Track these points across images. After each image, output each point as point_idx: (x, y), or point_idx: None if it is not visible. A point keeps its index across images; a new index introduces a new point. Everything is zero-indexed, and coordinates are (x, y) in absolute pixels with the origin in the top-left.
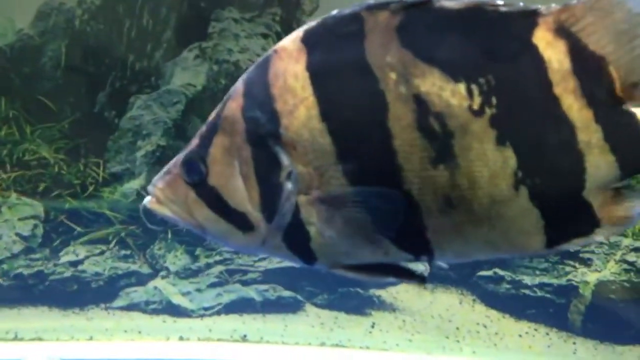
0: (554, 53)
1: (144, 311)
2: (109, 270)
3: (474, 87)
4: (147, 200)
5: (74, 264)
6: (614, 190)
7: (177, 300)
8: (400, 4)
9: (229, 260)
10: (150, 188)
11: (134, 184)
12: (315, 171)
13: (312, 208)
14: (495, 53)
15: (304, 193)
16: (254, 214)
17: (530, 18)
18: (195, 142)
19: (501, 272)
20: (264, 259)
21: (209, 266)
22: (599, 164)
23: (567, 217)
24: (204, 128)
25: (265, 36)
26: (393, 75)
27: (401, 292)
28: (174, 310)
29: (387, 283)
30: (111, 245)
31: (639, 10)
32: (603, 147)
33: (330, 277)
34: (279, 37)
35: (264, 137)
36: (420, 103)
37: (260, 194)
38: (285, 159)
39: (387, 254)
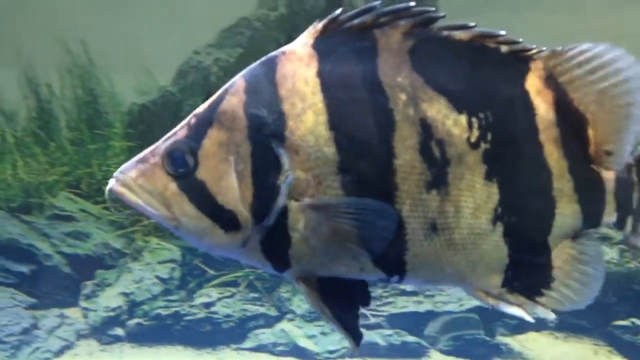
0: (542, 102)
1: (272, 352)
2: (239, 312)
3: (474, 120)
4: (114, 183)
5: (207, 305)
6: (574, 246)
7: (303, 343)
8: (411, 17)
9: None
10: (117, 174)
11: None
12: (314, 178)
13: (301, 215)
14: (495, 93)
15: (295, 199)
16: (244, 213)
17: (523, 63)
18: (182, 132)
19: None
20: (388, 303)
21: None
22: (567, 212)
23: (528, 260)
24: (193, 119)
25: None
26: (403, 97)
27: (530, 341)
28: (300, 353)
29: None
30: (241, 288)
31: (633, 81)
32: (572, 196)
33: (472, 323)
34: None
35: (267, 137)
36: (425, 127)
37: (254, 194)
38: (286, 162)
39: (363, 270)
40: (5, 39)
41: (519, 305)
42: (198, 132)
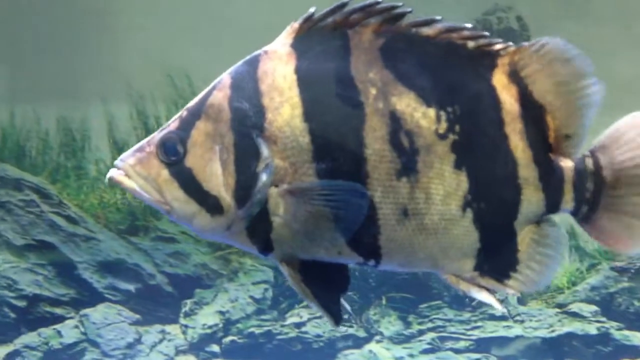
0: (507, 96)
1: None
2: (329, 332)
3: (442, 113)
4: (114, 172)
5: (298, 325)
6: (538, 231)
7: None
8: (380, 15)
9: (441, 327)
10: (118, 162)
11: None
12: (291, 166)
13: (281, 200)
14: (463, 88)
15: (275, 185)
16: (227, 198)
17: (490, 58)
18: (174, 124)
19: None
20: (477, 327)
21: (421, 332)
22: (531, 199)
23: (497, 244)
24: (184, 112)
25: None
26: (373, 91)
27: None
28: None
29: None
30: None
31: (582, 69)
32: (537, 185)
33: (545, 348)
34: None
35: (249, 128)
36: (394, 119)
37: (236, 181)
38: (265, 151)
39: (341, 253)
40: (118, 75)
41: (489, 290)
42: (188, 123)
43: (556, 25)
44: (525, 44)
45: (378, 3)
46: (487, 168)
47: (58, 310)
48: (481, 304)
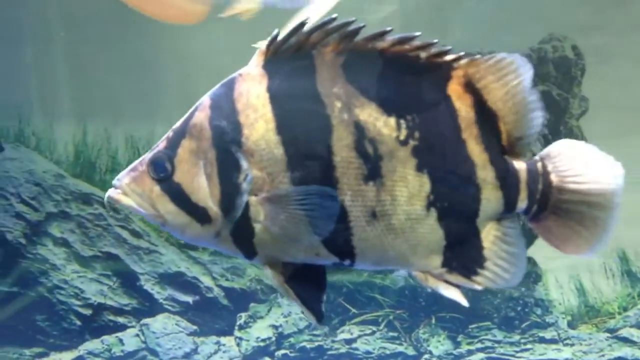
0: (462, 105)
1: None
2: (378, 349)
3: (402, 121)
4: (112, 191)
5: (349, 341)
6: (499, 228)
7: None
8: (338, 32)
9: (490, 348)
10: (115, 182)
11: (402, 272)
12: (268, 176)
13: (260, 207)
14: (420, 97)
15: (255, 194)
16: (214, 208)
17: (445, 70)
18: (162, 144)
19: None
20: (527, 349)
21: (470, 352)
22: (491, 197)
23: (462, 241)
24: (170, 133)
25: None
26: (338, 104)
27: None
28: None
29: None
30: (381, 327)
31: (527, 83)
32: (494, 184)
33: None
34: (546, 139)
35: (228, 143)
36: (358, 129)
37: (220, 192)
38: (244, 164)
39: (318, 254)
40: (184, 95)
41: (456, 287)
42: (174, 142)
43: (608, 53)
44: (479, 56)
45: (333, 20)
46: (447, 170)
47: (120, 319)
48: (531, 326)
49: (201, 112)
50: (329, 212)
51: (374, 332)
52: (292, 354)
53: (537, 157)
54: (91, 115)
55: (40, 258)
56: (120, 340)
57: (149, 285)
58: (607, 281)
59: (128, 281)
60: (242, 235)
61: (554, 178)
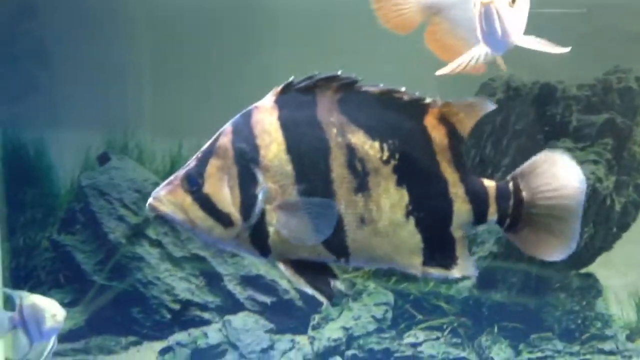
0: (437, 134)
1: None
2: (442, 354)
3: (384, 145)
4: (152, 201)
5: (414, 345)
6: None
7: None
8: (337, 81)
9: (550, 357)
10: (154, 194)
11: (467, 282)
12: (280, 188)
13: (274, 214)
14: (400, 126)
15: (269, 203)
16: (236, 215)
17: (423, 107)
18: (193, 162)
19: None
20: None
21: None
22: (461, 209)
23: (438, 244)
24: (200, 154)
25: (595, 162)
26: (334, 130)
27: None
28: None
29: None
30: (445, 333)
31: (484, 112)
32: (464, 198)
33: None
34: (609, 164)
35: (248, 161)
36: (350, 150)
37: (241, 201)
38: (261, 178)
39: (320, 254)
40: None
41: (438, 273)
42: (203, 161)
43: None
44: (451, 100)
45: (338, 75)
46: (423, 185)
47: (205, 315)
48: (591, 338)
49: (225, 137)
50: (329, 220)
51: (438, 338)
52: (360, 355)
53: (509, 177)
54: (187, 132)
55: (137, 257)
56: (205, 334)
57: (231, 286)
58: None
59: (213, 281)
60: (258, 237)
61: (525, 195)
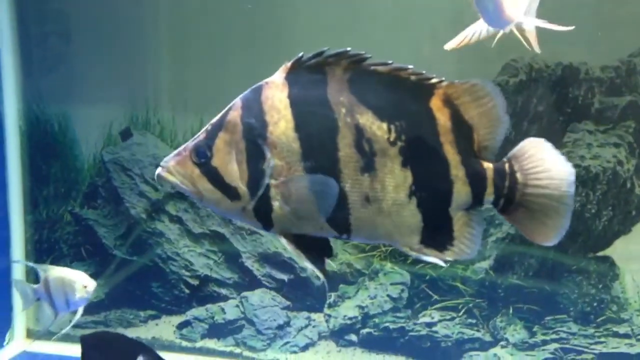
0: (441, 116)
1: None
2: (457, 334)
3: (392, 126)
4: (160, 170)
5: (429, 325)
6: (467, 215)
7: None
8: (347, 58)
9: (565, 339)
10: (163, 163)
11: (484, 264)
12: (286, 164)
13: (278, 189)
14: (407, 108)
15: (275, 178)
16: (242, 188)
17: (429, 88)
18: (202, 135)
19: None
20: (600, 342)
21: (545, 342)
22: (461, 191)
23: (437, 224)
24: (209, 127)
25: (617, 145)
26: (343, 110)
27: None
28: None
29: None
30: (460, 314)
31: (499, 104)
32: (464, 180)
33: None
34: (630, 147)
35: (256, 137)
36: (358, 130)
37: (248, 175)
38: (268, 154)
39: (322, 229)
40: None
41: (432, 256)
42: (212, 134)
43: None
44: (457, 81)
45: (347, 51)
46: (426, 167)
47: (223, 291)
48: (606, 321)
49: (234, 111)
50: (330, 197)
51: (453, 318)
52: (375, 333)
53: (505, 159)
54: (208, 109)
55: (157, 232)
56: (222, 309)
57: (249, 263)
58: None
59: (231, 258)
60: (262, 211)
61: (519, 176)
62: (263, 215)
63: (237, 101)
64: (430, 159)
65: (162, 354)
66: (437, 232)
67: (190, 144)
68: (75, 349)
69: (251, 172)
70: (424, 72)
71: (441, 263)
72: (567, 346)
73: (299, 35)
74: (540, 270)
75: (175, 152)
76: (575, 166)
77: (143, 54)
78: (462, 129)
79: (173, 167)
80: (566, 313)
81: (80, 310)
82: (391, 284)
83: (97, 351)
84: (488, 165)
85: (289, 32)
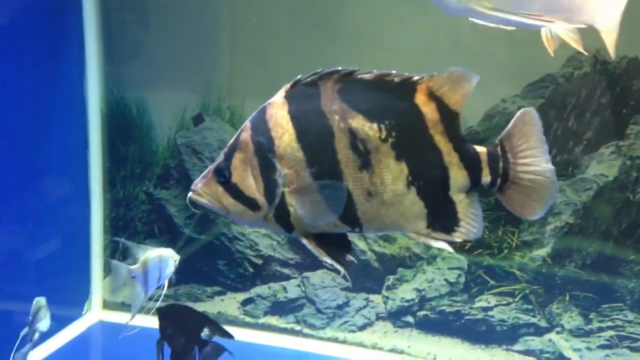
0: (428, 109)
1: (538, 358)
2: (512, 319)
3: (382, 126)
4: (191, 194)
5: (485, 309)
6: (468, 197)
7: (569, 354)
8: (338, 74)
9: (620, 327)
10: (193, 187)
11: (541, 252)
12: (294, 172)
13: (292, 196)
14: (394, 107)
15: (287, 186)
16: (261, 199)
17: (412, 86)
18: (221, 158)
19: None
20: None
21: (600, 329)
22: (458, 175)
23: (440, 208)
24: (226, 149)
25: None
26: (337, 117)
27: None
28: None
29: (328, 263)
30: (516, 299)
31: (472, 87)
32: (459, 165)
33: None
34: None
35: (265, 152)
36: (352, 133)
37: (264, 187)
38: (278, 165)
39: (336, 226)
40: None
41: (441, 240)
42: (229, 155)
43: None
44: (436, 73)
45: (339, 69)
46: (419, 157)
47: (285, 271)
48: None
49: (245, 132)
50: (340, 198)
51: (509, 303)
52: (432, 316)
53: (496, 141)
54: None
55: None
56: (284, 288)
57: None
58: None
59: (294, 239)
60: (281, 217)
61: (509, 156)
62: (283, 220)
63: (247, 123)
64: (421, 149)
65: (226, 328)
66: (442, 216)
67: (212, 166)
68: (147, 320)
69: (266, 183)
70: (406, 73)
71: (449, 248)
72: (623, 333)
73: (361, 23)
74: (598, 260)
75: (201, 175)
76: (637, 158)
77: (216, 43)
78: (449, 118)
79: (201, 189)
80: (622, 302)
81: (166, 284)
82: (448, 269)
83: (171, 321)
84: (481, 149)
85: (352, 20)
